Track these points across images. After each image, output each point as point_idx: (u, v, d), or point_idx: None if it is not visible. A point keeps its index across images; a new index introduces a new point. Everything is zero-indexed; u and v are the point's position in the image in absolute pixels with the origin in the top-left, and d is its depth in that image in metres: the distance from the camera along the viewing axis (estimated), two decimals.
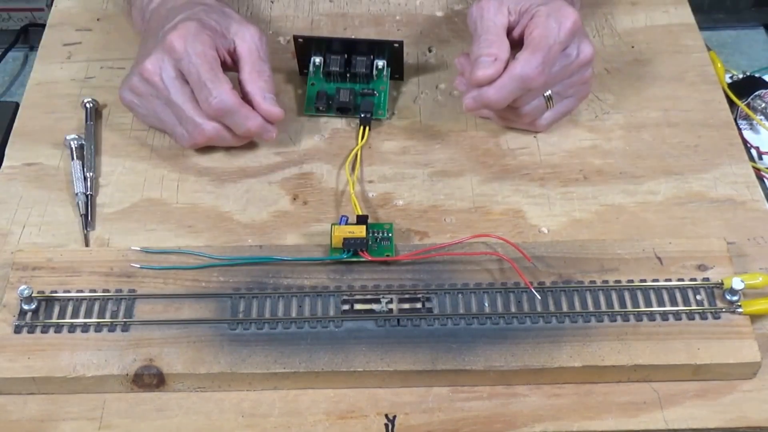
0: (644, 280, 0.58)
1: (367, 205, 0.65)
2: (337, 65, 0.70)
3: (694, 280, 0.58)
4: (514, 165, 0.67)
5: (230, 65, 0.66)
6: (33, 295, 0.56)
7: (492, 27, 0.63)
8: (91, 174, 0.66)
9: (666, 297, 0.57)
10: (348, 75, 0.71)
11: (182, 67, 0.63)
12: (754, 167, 0.68)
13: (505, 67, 0.62)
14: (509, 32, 0.64)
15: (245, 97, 0.64)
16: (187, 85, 0.63)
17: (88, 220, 0.63)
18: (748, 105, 0.78)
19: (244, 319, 0.56)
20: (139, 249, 0.60)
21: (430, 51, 0.76)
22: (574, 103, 0.68)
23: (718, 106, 0.71)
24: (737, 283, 0.56)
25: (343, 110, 0.70)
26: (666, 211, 0.64)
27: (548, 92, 0.65)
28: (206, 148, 0.67)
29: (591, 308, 0.56)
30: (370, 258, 0.59)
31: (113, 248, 0.61)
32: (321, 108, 0.70)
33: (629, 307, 0.56)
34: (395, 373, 0.54)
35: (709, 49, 0.76)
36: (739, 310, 0.56)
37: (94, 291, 0.57)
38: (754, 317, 0.57)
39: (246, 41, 0.66)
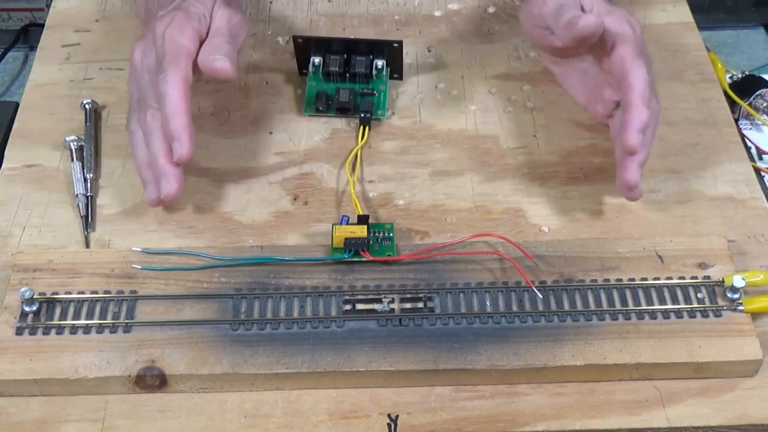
0: (645, 279, 0.58)
1: (367, 205, 0.65)
2: (336, 65, 0.70)
3: (695, 278, 0.58)
4: (514, 164, 0.67)
5: None
6: (34, 296, 0.56)
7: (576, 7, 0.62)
8: (91, 175, 0.66)
9: (667, 295, 0.57)
10: (347, 75, 0.71)
11: (156, 51, 0.61)
12: (754, 166, 0.68)
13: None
14: None
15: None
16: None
17: (88, 221, 0.63)
18: (750, 105, 0.78)
19: (246, 319, 0.56)
20: (139, 250, 0.60)
21: (429, 51, 0.76)
22: None
23: (717, 104, 0.71)
24: (738, 281, 0.56)
25: (342, 110, 0.70)
26: (666, 209, 0.64)
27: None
28: (206, 148, 0.67)
29: (592, 307, 0.57)
30: (371, 258, 0.59)
31: (114, 249, 0.61)
32: (321, 108, 0.70)
33: (631, 306, 0.56)
34: (398, 373, 0.54)
35: (708, 51, 0.76)
36: (741, 307, 0.56)
37: (96, 292, 0.57)
38: (755, 315, 0.57)
39: (215, 22, 0.63)
